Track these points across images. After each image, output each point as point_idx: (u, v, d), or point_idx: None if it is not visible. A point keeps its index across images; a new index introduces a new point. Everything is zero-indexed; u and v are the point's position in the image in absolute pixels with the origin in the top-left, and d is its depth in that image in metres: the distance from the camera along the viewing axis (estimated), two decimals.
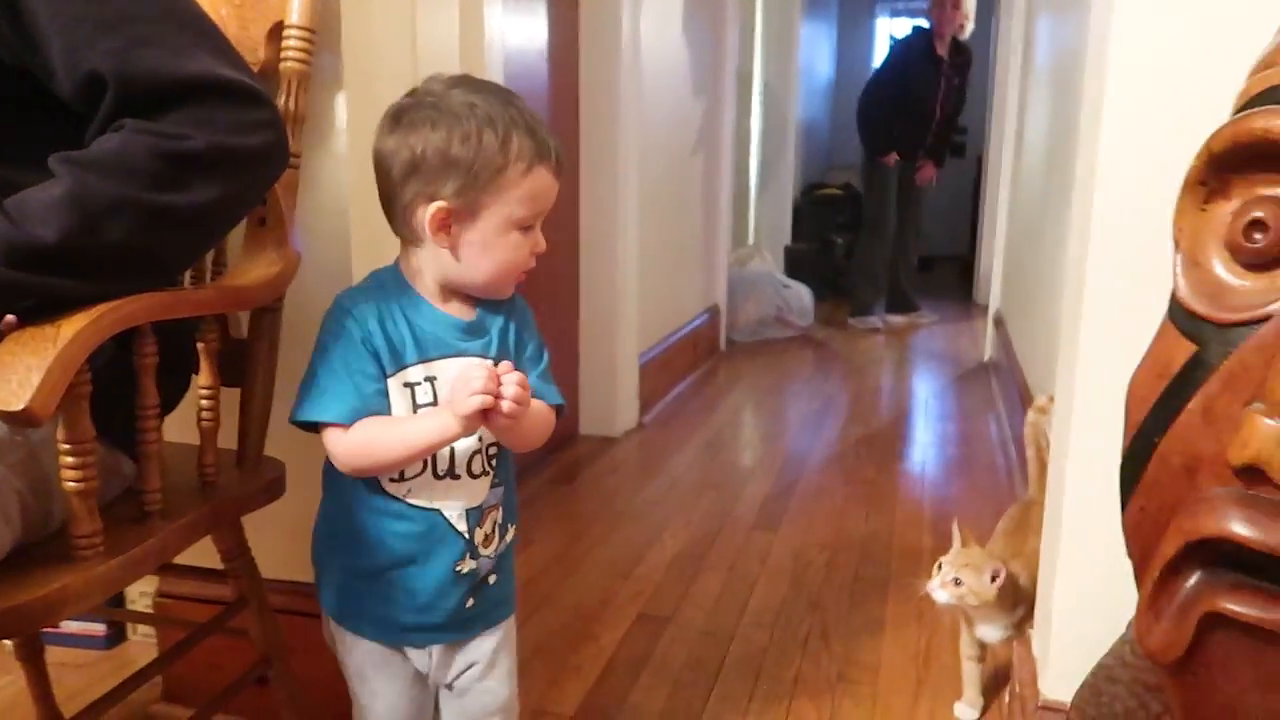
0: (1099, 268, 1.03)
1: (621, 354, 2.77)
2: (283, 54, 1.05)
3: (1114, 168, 1.01)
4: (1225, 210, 0.66)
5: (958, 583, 1.25)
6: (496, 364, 0.85)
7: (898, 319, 4.64)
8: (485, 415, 0.83)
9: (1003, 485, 2.31)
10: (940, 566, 1.28)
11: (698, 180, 3.57)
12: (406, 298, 0.89)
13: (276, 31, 1.06)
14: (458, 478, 0.91)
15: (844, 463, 2.54)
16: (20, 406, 0.67)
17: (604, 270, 2.72)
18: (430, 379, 0.89)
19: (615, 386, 2.76)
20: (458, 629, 0.95)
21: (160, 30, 0.80)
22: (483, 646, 0.97)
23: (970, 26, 4.27)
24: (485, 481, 0.93)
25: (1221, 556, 0.64)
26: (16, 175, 0.77)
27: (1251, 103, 0.65)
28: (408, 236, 0.88)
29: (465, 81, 0.88)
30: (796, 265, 5.19)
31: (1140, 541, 0.70)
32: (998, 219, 4.01)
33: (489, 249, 0.87)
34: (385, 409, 0.87)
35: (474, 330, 0.91)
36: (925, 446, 2.72)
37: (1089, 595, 1.07)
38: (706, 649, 1.52)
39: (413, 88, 0.88)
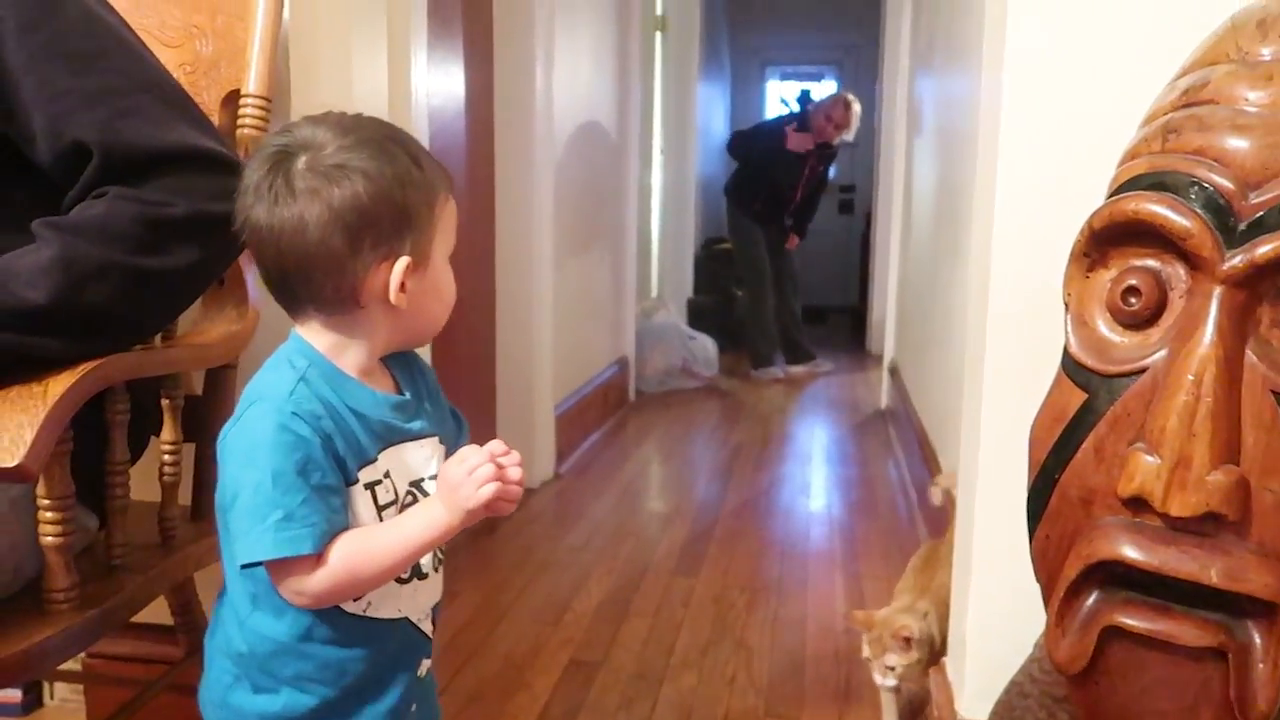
0: (997, 326, 1.15)
1: (538, 406, 2.82)
2: (240, 121, 1.09)
3: (1006, 238, 1.13)
4: (1105, 277, 0.78)
5: (890, 668, 1.35)
6: (441, 443, 0.79)
7: (798, 369, 4.82)
8: (485, 507, 0.75)
9: (904, 525, 2.44)
10: (869, 661, 1.37)
11: (606, 234, 3.67)
12: (338, 380, 0.77)
13: (232, 99, 1.10)
14: (424, 577, 0.82)
15: (756, 507, 2.64)
16: (14, 463, 0.69)
17: (520, 322, 2.77)
18: (387, 474, 0.78)
19: (533, 438, 2.81)
20: None
21: (142, 102, 0.84)
22: None
23: (849, 138, 4.61)
24: (441, 572, 0.85)
25: (1115, 577, 0.75)
26: None
27: (1121, 188, 0.77)
28: (339, 309, 0.76)
29: (341, 120, 0.76)
30: (699, 316, 5.34)
31: (1046, 566, 0.80)
32: (889, 272, 4.23)
33: (439, 291, 0.80)
34: (349, 524, 0.75)
35: (407, 407, 0.81)
36: (830, 490, 2.84)
37: (998, 619, 1.17)
38: (638, 691, 1.57)
39: (276, 144, 0.74)
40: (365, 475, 0.76)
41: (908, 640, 1.33)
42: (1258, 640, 0.71)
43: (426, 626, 0.84)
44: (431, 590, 0.84)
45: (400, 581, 0.79)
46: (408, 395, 0.82)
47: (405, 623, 0.81)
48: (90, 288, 0.78)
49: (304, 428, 0.72)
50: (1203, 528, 0.70)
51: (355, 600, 0.77)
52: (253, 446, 0.71)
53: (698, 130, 5.58)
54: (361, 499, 0.76)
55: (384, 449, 0.78)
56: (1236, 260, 0.69)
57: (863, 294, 6.05)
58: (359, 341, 0.78)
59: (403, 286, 0.75)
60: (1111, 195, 0.79)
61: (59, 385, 0.75)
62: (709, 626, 1.83)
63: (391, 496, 0.78)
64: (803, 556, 2.22)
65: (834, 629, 1.80)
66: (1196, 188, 0.71)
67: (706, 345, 4.57)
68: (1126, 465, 0.72)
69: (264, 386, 0.75)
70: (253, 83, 1.09)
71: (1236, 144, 0.71)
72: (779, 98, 7.23)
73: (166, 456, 0.97)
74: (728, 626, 1.83)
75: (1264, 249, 0.68)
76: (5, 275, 0.76)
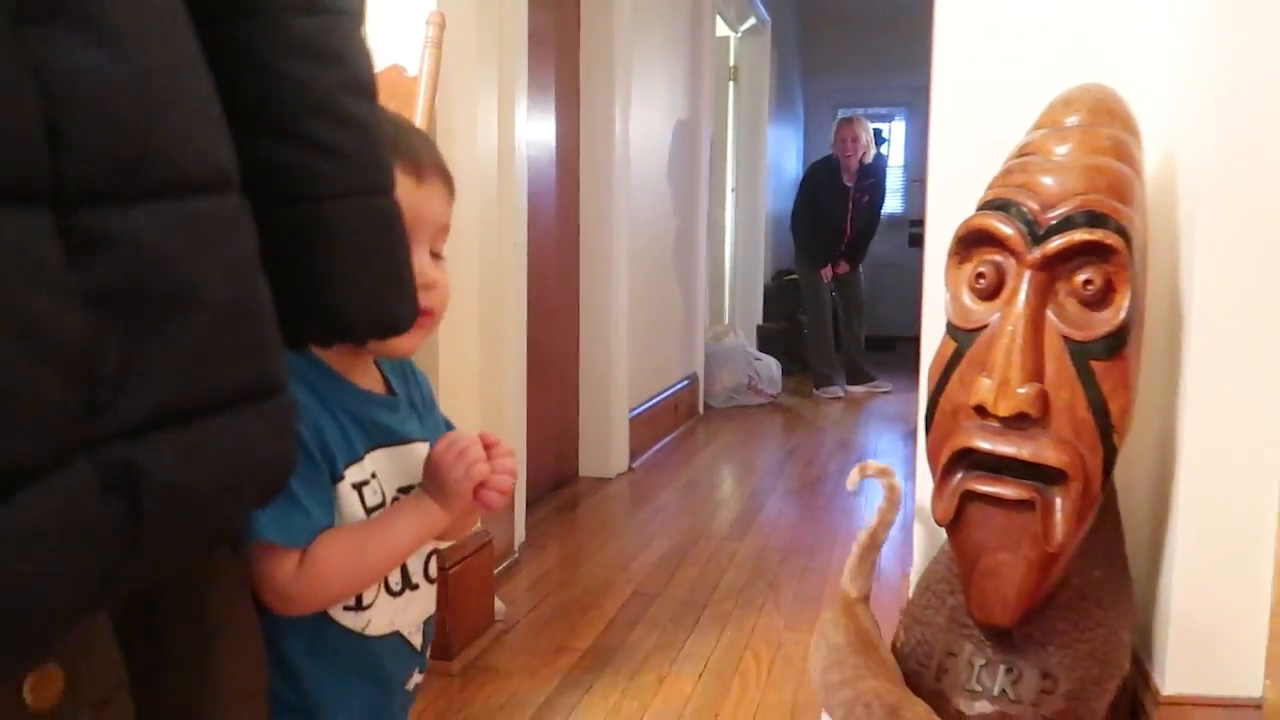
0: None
1: (614, 409, 3.27)
2: None
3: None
4: (968, 268, 1.18)
5: None
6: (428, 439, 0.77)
7: (858, 389, 5.17)
8: (475, 495, 0.74)
9: None
10: None
11: (678, 263, 4.13)
12: (323, 375, 0.74)
13: None
14: (416, 588, 0.79)
15: (800, 496, 3.03)
16: None
17: (600, 337, 3.24)
18: (374, 475, 0.76)
19: (609, 436, 3.26)
20: None
21: None
22: None
23: (873, 152, 5.02)
24: (434, 585, 0.83)
25: (971, 459, 1.15)
26: None
27: (979, 208, 1.18)
28: None
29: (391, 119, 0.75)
30: (767, 342, 5.73)
31: (932, 456, 1.21)
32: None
33: None
34: (335, 522, 0.72)
35: (396, 407, 0.80)
36: (870, 484, 3.20)
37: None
38: (686, 611, 1.99)
39: None
40: (352, 474, 0.74)
41: None
42: (1056, 497, 1.10)
43: (416, 640, 0.81)
44: (423, 602, 0.81)
45: (392, 594, 0.77)
46: (397, 395, 0.80)
47: (397, 639, 0.79)
48: None
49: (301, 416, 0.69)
50: (1019, 424, 1.10)
51: (353, 611, 0.74)
52: None
53: (768, 169, 6.02)
54: (348, 499, 0.73)
55: (372, 449, 0.76)
56: (1036, 253, 1.10)
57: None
58: None
59: None
60: (978, 209, 1.20)
61: None
62: (748, 573, 2.23)
63: (379, 499, 0.75)
64: (834, 532, 2.61)
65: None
66: (1017, 208, 1.12)
67: (771, 366, 4.96)
68: (972, 386, 1.13)
69: None
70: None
71: (1043, 180, 1.12)
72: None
73: None
74: (763, 573, 2.23)
75: (1052, 244, 1.09)
76: None
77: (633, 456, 3.38)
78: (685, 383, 4.27)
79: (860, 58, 7.39)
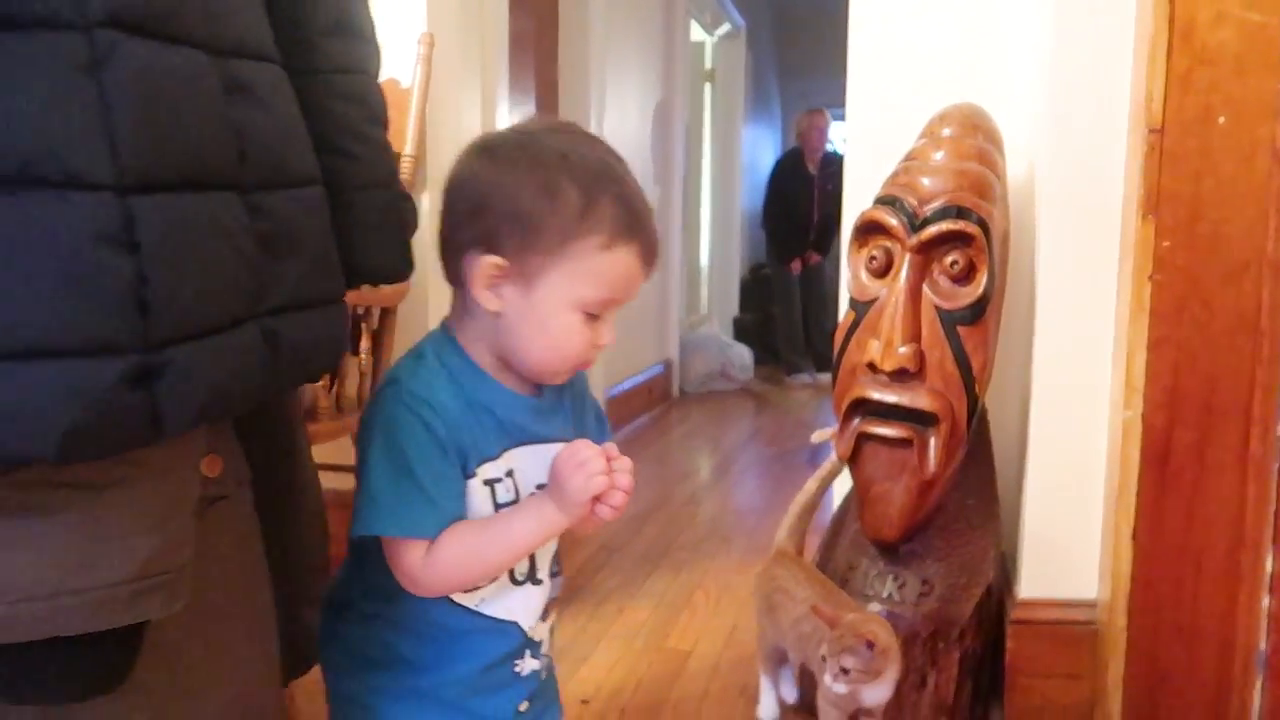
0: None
1: (592, 387, 3.52)
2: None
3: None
4: (865, 251, 1.45)
5: (845, 670, 1.17)
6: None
7: (826, 376, 5.44)
8: (592, 504, 0.74)
9: None
10: (824, 660, 1.20)
11: None
12: (470, 374, 0.78)
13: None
14: (539, 582, 0.83)
15: (761, 468, 3.30)
16: None
17: None
18: (509, 472, 0.79)
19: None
20: None
21: None
22: None
23: (830, 146, 5.41)
24: (559, 579, 0.86)
25: (865, 407, 1.41)
26: None
27: (876, 201, 1.44)
28: (455, 284, 0.80)
29: (567, 129, 0.81)
30: (743, 333, 6.01)
31: (837, 406, 1.47)
32: None
33: (545, 326, 0.76)
34: (464, 514, 0.76)
35: (547, 410, 0.81)
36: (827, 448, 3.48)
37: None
38: (647, 560, 2.25)
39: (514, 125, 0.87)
40: (484, 471, 0.76)
41: (871, 645, 1.16)
42: (930, 436, 1.36)
43: (540, 633, 0.84)
44: (544, 596, 0.84)
45: (515, 583, 0.80)
46: (545, 397, 0.81)
47: (514, 628, 0.82)
48: None
49: (430, 415, 0.74)
50: (901, 378, 1.36)
51: (467, 592, 0.78)
52: (382, 427, 0.74)
53: (744, 168, 6.28)
54: (478, 494, 0.76)
55: (511, 448, 0.78)
56: (915, 240, 1.36)
57: None
58: (479, 334, 0.79)
59: (495, 289, 0.75)
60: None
61: None
62: (706, 529, 2.49)
63: (512, 496, 0.78)
64: (789, 495, 2.87)
65: None
66: (900, 203, 1.38)
67: (743, 353, 5.23)
68: (865, 347, 1.39)
69: (399, 369, 0.79)
70: (410, 145, 1.82)
71: (922, 181, 1.38)
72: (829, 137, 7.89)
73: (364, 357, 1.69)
74: (718, 530, 2.49)
75: (926, 232, 1.35)
76: None
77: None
78: (660, 368, 4.53)
79: (835, 59, 7.63)
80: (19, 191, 0.49)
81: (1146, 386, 1.28)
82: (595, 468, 0.74)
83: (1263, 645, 1.27)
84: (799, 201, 5.30)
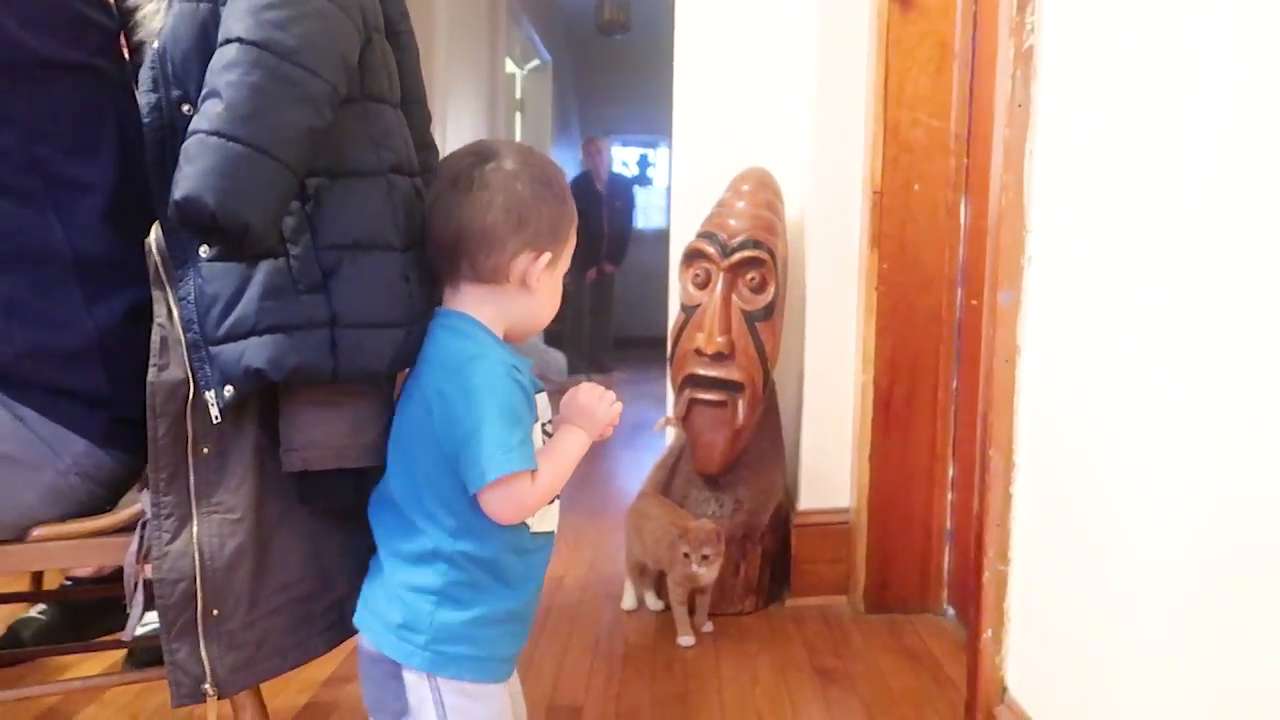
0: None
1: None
2: None
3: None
4: (691, 270, 2.03)
5: (706, 557, 1.77)
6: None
7: (597, 376, 6.07)
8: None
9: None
10: (688, 556, 1.78)
11: None
12: (511, 351, 0.97)
13: None
14: (559, 496, 0.99)
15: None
16: None
17: None
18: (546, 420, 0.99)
19: None
20: None
21: None
22: None
23: (609, 169, 6.13)
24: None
25: (694, 380, 2.00)
26: None
27: (698, 235, 2.03)
28: (486, 279, 0.96)
29: (527, 146, 1.02)
30: (554, 337, 6.55)
31: (674, 380, 2.05)
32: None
33: (554, 293, 1.00)
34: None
35: (530, 367, 0.99)
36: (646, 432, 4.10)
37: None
38: None
39: (470, 152, 0.98)
40: (542, 415, 0.97)
41: (720, 536, 1.79)
42: (739, 399, 1.97)
43: (557, 538, 1.03)
44: (559, 507, 1.02)
45: (557, 499, 0.98)
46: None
47: (553, 535, 1.01)
48: None
49: (520, 376, 0.93)
50: (718, 359, 1.96)
51: (533, 517, 0.95)
52: (490, 389, 0.90)
53: None
54: (538, 434, 0.95)
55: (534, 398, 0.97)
56: (726, 263, 1.96)
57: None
58: (500, 314, 0.98)
59: (538, 276, 0.96)
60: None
61: None
62: None
63: (549, 433, 0.99)
64: (612, 459, 3.45)
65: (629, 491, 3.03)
66: (715, 237, 1.98)
67: (558, 357, 5.78)
68: (693, 338, 1.98)
69: (475, 345, 0.95)
70: None
71: (730, 222, 1.99)
72: (621, 161, 8.59)
73: None
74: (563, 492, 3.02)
75: (734, 258, 1.95)
76: None
77: None
78: None
79: (629, 92, 8.35)
80: (364, 252, 0.95)
81: (875, 360, 1.95)
82: (611, 397, 1.00)
83: (948, 526, 1.97)
84: (591, 216, 5.90)
